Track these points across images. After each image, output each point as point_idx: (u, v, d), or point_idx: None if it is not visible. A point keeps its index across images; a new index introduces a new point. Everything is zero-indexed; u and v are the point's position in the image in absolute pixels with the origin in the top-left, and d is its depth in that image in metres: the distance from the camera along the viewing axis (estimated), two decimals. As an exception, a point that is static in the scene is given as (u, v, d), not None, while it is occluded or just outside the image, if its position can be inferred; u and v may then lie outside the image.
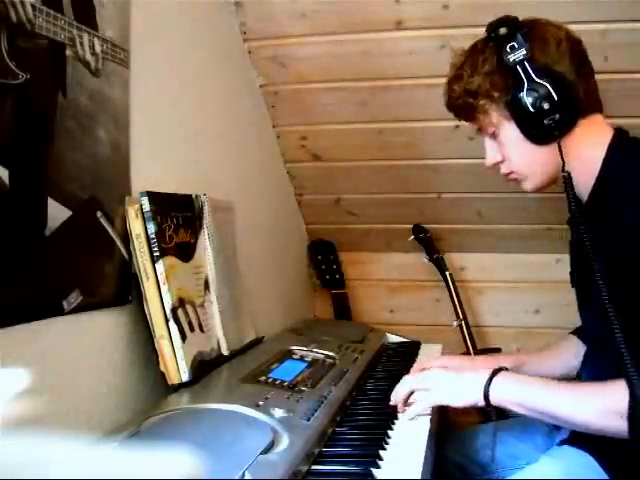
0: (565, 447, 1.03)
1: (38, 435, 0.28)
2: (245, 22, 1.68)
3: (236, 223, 1.41)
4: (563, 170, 0.99)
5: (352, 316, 2.15)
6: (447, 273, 2.05)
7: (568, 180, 0.99)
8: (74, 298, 0.89)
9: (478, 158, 1.19)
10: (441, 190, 2.03)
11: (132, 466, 0.27)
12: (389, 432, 0.94)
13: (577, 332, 1.25)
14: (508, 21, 1.01)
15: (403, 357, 1.45)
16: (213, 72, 1.50)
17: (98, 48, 0.96)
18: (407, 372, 1.25)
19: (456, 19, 1.53)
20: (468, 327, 1.99)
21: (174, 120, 1.27)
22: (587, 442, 0.98)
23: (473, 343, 1.98)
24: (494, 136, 1.06)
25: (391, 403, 1.04)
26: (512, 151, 1.06)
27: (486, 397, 0.96)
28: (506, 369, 1.01)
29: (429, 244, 2.10)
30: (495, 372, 0.98)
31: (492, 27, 1.02)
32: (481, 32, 1.05)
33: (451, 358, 1.32)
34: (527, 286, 2.14)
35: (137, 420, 0.87)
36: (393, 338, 1.68)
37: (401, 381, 1.06)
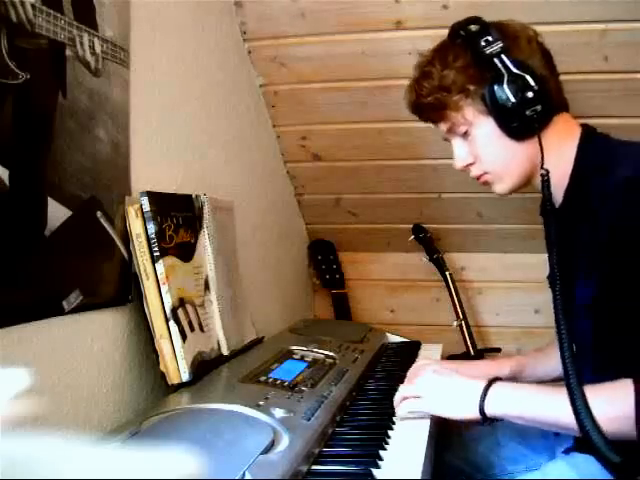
0: (574, 454, 1.01)
1: (38, 435, 0.28)
2: (245, 22, 1.68)
3: (236, 223, 1.41)
4: (542, 166, 0.97)
5: (352, 316, 2.15)
6: (447, 273, 2.05)
7: (546, 178, 0.97)
8: (74, 298, 0.89)
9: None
10: (441, 190, 2.03)
11: (132, 466, 0.27)
12: (389, 432, 0.94)
13: None
14: (475, 20, 1.00)
15: (403, 357, 1.45)
16: (213, 72, 1.50)
17: (98, 48, 0.96)
18: (407, 372, 1.26)
19: (456, 19, 1.52)
20: (468, 327, 1.99)
21: (174, 120, 1.27)
22: (593, 448, 0.97)
23: (473, 343, 1.98)
24: (465, 135, 1.03)
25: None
26: (487, 149, 1.02)
27: (482, 411, 0.92)
28: (500, 379, 0.96)
29: (429, 244, 2.10)
30: (490, 383, 0.93)
31: (459, 26, 1.01)
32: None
33: (450, 362, 1.31)
34: (527, 286, 2.14)
35: (137, 420, 0.87)
36: (393, 338, 1.68)
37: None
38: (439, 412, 0.97)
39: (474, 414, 0.92)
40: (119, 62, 1.02)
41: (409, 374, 1.15)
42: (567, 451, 1.05)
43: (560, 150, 0.99)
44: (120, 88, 1.03)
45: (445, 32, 1.56)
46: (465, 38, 0.99)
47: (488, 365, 1.28)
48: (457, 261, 2.22)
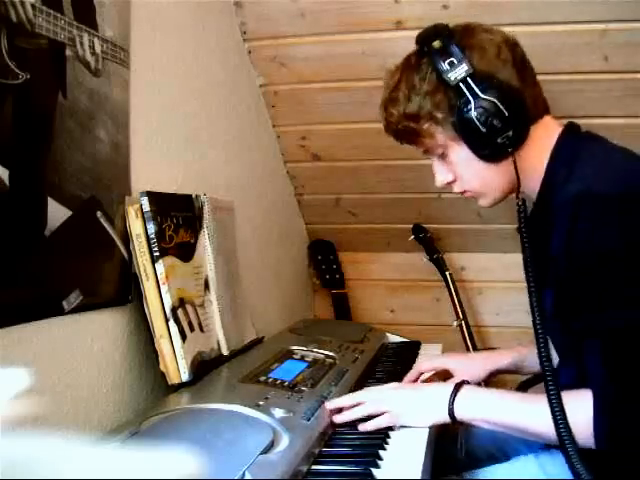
0: (553, 450, 1.02)
1: (38, 435, 0.28)
2: (245, 22, 1.68)
3: (236, 223, 1.41)
4: (517, 196, 0.95)
5: (352, 316, 2.15)
6: (447, 273, 2.05)
7: (522, 206, 0.95)
8: (74, 298, 0.89)
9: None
10: (441, 190, 2.02)
11: (132, 466, 0.27)
12: (389, 432, 0.94)
13: None
14: (439, 31, 0.96)
15: (403, 357, 1.45)
16: (213, 72, 1.50)
17: (98, 48, 0.96)
18: (407, 372, 1.25)
19: (456, 19, 1.52)
20: (468, 327, 1.99)
21: (174, 120, 1.27)
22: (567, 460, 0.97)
23: (473, 343, 1.98)
24: (443, 156, 1.01)
25: (337, 415, 0.96)
26: (464, 171, 1.00)
27: (451, 414, 0.92)
28: (468, 383, 0.98)
29: (429, 244, 2.10)
30: (457, 387, 0.94)
31: (423, 40, 0.96)
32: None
33: (449, 356, 1.32)
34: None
35: (137, 420, 0.87)
36: (393, 338, 1.68)
37: (353, 396, 0.99)
38: (409, 422, 0.96)
39: (444, 418, 0.93)
40: (119, 62, 1.02)
41: (412, 374, 1.15)
42: (547, 447, 1.05)
43: (538, 160, 0.96)
44: (120, 88, 1.03)
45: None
46: (430, 57, 0.94)
47: (487, 356, 1.28)
48: (457, 261, 2.22)
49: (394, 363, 1.40)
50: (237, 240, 1.40)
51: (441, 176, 1.05)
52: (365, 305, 2.29)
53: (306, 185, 2.12)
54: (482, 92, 0.91)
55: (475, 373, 1.21)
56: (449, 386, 0.95)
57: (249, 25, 1.68)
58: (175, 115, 1.28)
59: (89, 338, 0.95)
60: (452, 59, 0.91)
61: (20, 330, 0.79)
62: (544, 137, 0.97)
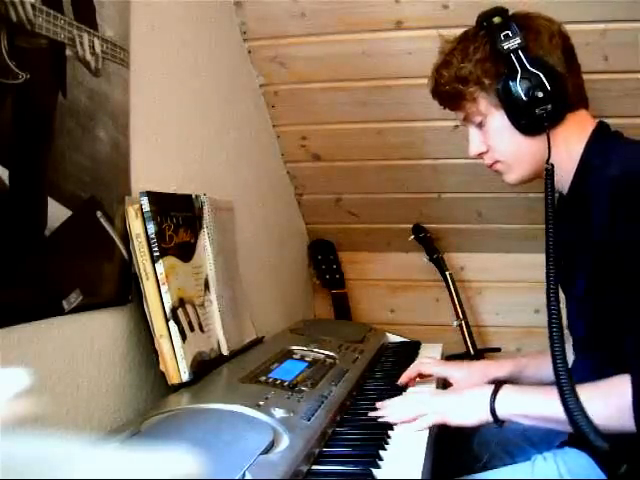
0: (565, 448, 1.03)
1: (38, 435, 0.28)
2: (245, 22, 1.68)
3: (236, 223, 1.41)
4: (548, 162, 0.99)
5: (352, 316, 2.15)
6: (447, 273, 2.05)
7: (550, 172, 0.98)
8: (74, 298, 0.89)
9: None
10: (441, 190, 2.03)
11: (132, 466, 0.27)
12: (389, 432, 0.94)
13: None
14: (500, 11, 1.01)
15: (403, 357, 1.45)
16: (213, 72, 1.50)
17: (98, 48, 0.96)
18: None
19: (456, 19, 1.52)
20: (468, 327, 1.99)
21: (174, 120, 1.27)
22: (586, 443, 0.98)
23: (473, 343, 1.98)
24: (480, 125, 1.06)
25: (385, 418, 1.00)
26: (498, 141, 1.05)
27: (493, 413, 0.96)
28: (506, 382, 1.01)
29: (429, 244, 2.10)
30: (497, 387, 0.97)
31: (484, 17, 1.02)
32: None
33: (449, 364, 1.30)
34: (527, 286, 2.14)
35: (137, 420, 0.87)
36: (393, 338, 1.68)
37: (393, 402, 1.04)
38: (455, 422, 0.98)
39: (487, 417, 0.96)
40: (119, 62, 1.02)
41: (410, 371, 1.17)
42: (561, 445, 1.06)
43: (568, 148, 1.00)
44: (120, 88, 1.03)
45: (445, 32, 1.57)
46: (487, 30, 1.01)
47: (486, 366, 1.28)
48: (457, 261, 2.22)
49: (394, 363, 1.40)
50: (237, 240, 1.40)
51: (475, 145, 1.09)
52: (365, 305, 2.29)
53: (306, 185, 2.12)
54: (530, 65, 0.96)
55: (474, 382, 1.21)
56: (489, 387, 0.99)
57: (249, 25, 1.68)
58: (175, 115, 1.28)
59: (89, 338, 0.95)
60: (508, 32, 0.97)
61: (20, 330, 0.79)
62: (575, 129, 1.01)
